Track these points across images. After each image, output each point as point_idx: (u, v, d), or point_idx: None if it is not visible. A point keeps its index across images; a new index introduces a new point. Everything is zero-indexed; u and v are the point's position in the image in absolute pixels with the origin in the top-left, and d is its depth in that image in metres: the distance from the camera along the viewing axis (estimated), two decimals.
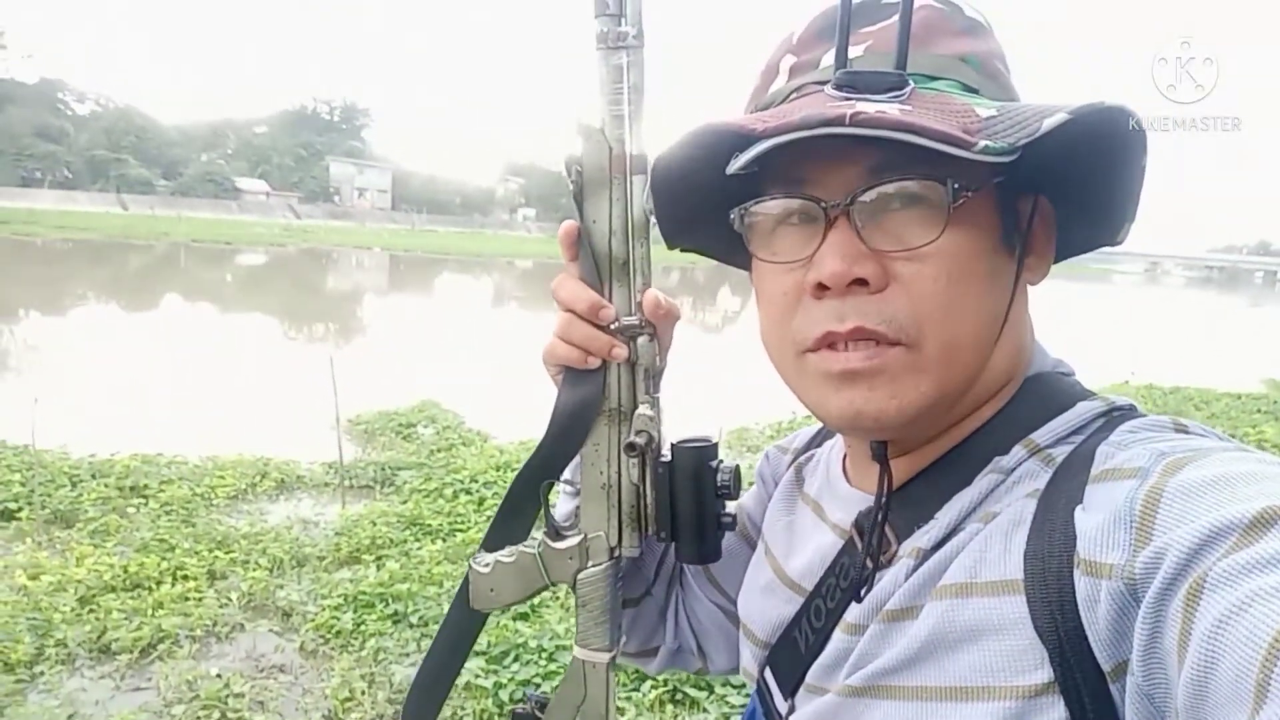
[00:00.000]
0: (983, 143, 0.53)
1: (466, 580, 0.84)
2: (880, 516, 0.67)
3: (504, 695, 3.34)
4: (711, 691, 3.48)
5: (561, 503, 0.88)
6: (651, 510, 0.78)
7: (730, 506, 0.79)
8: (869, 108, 0.55)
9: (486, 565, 0.82)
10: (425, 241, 54.73)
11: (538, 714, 0.84)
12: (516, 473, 0.81)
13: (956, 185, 0.58)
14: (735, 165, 0.60)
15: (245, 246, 40.44)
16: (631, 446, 0.76)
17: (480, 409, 8.41)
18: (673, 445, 0.78)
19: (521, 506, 0.82)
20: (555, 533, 0.81)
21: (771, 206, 0.65)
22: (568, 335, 0.75)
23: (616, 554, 0.80)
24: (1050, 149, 0.56)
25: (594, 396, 0.76)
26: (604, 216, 0.73)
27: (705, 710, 3.40)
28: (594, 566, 0.79)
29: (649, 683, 3.46)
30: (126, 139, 73.53)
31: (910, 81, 0.59)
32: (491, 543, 0.83)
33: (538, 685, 3.42)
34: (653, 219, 0.73)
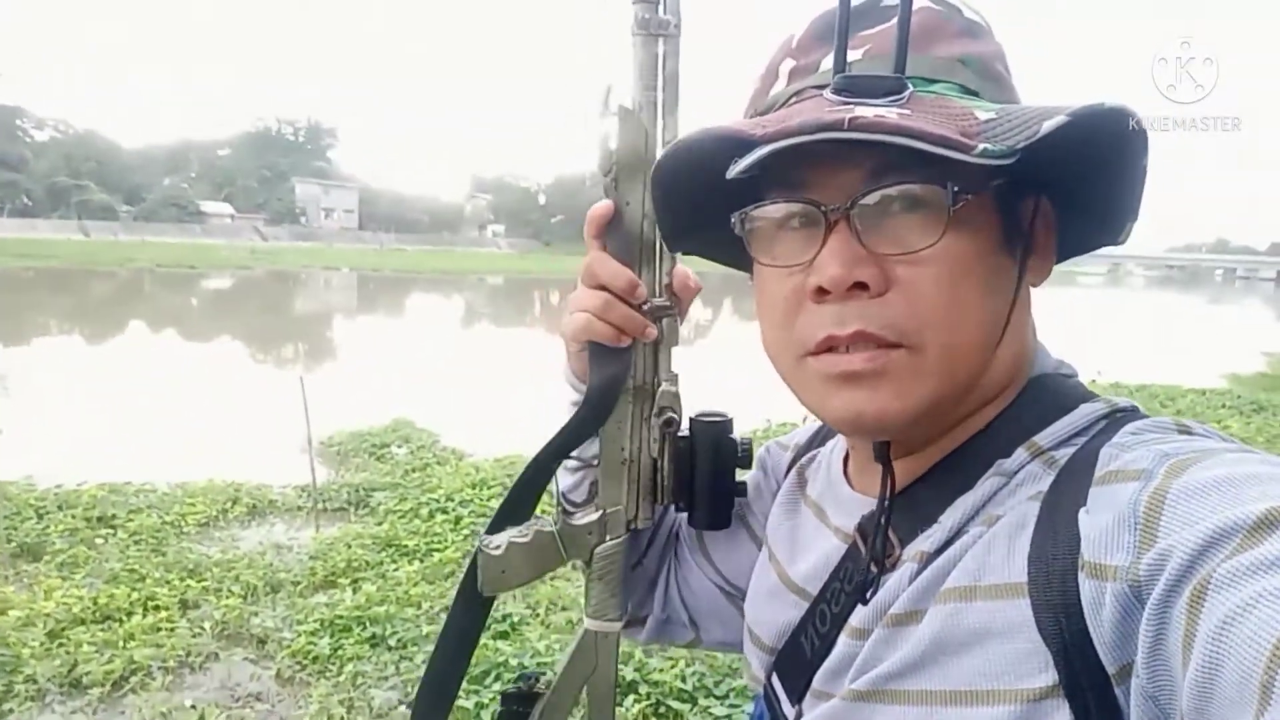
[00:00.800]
0: (982, 146, 0.54)
1: (472, 569, 0.83)
2: (883, 520, 0.67)
3: (485, 716, 3.30)
4: (695, 704, 3.47)
5: (562, 478, 0.88)
6: (669, 482, 0.81)
7: (741, 475, 0.83)
8: (867, 112, 0.55)
9: (498, 547, 0.81)
10: (394, 260, 54.48)
11: (538, 691, 0.85)
12: (539, 450, 0.81)
13: (956, 188, 0.58)
14: (735, 170, 0.60)
15: (211, 270, 40.01)
16: (669, 422, 0.79)
17: (455, 427, 8.37)
18: (692, 419, 0.81)
19: (535, 484, 0.83)
20: (569, 510, 0.83)
21: (772, 211, 0.65)
22: (605, 314, 0.75)
23: (633, 527, 0.82)
24: (1050, 150, 0.56)
25: (623, 374, 0.78)
26: (638, 200, 0.74)
27: None
28: (611, 540, 0.81)
29: (631, 696, 3.45)
30: (87, 165, 72.55)
31: (909, 85, 0.59)
32: (499, 523, 0.83)
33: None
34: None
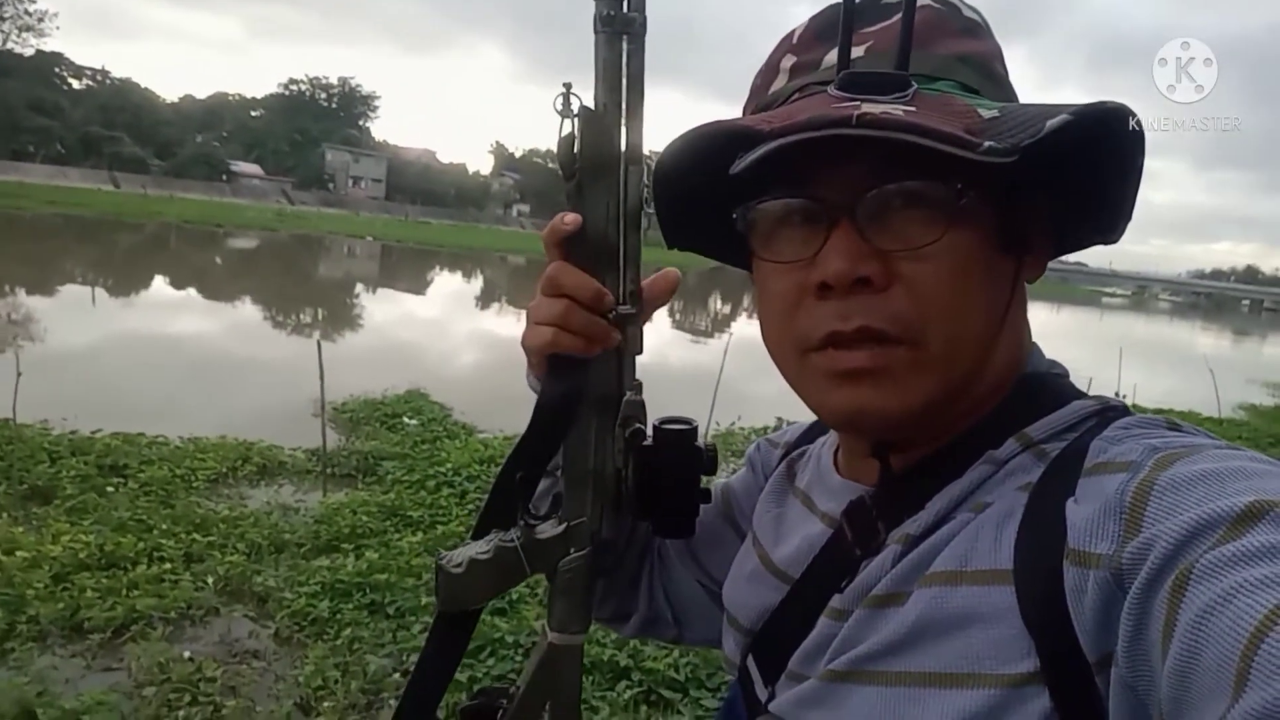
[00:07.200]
0: (987, 144, 0.54)
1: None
2: (871, 504, 0.68)
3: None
4: (686, 694, 3.49)
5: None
6: (632, 492, 0.78)
7: (707, 482, 0.79)
8: (874, 109, 0.55)
9: (459, 565, 0.76)
10: (418, 232, 54.59)
11: (501, 704, 0.82)
12: (501, 467, 0.78)
13: (959, 185, 0.58)
14: (740, 165, 0.60)
15: (237, 230, 40.20)
16: (636, 433, 0.76)
17: (468, 402, 8.40)
18: (656, 428, 0.78)
19: (509, 500, 0.79)
20: (532, 523, 0.79)
21: (774, 206, 0.65)
22: (567, 323, 0.71)
23: (598, 539, 0.79)
24: (1050, 148, 0.56)
25: (583, 384, 0.75)
26: (601, 204, 0.71)
27: (679, 712, 3.40)
28: (576, 553, 0.78)
29: (624, 682, 3.46)
30: (121, 116, 72.94)
31: (913, 83, 0.60)
32: (477, 533, 0.80)
33: (512, 681, 3.41)
34: (647, 209, 0.72)
